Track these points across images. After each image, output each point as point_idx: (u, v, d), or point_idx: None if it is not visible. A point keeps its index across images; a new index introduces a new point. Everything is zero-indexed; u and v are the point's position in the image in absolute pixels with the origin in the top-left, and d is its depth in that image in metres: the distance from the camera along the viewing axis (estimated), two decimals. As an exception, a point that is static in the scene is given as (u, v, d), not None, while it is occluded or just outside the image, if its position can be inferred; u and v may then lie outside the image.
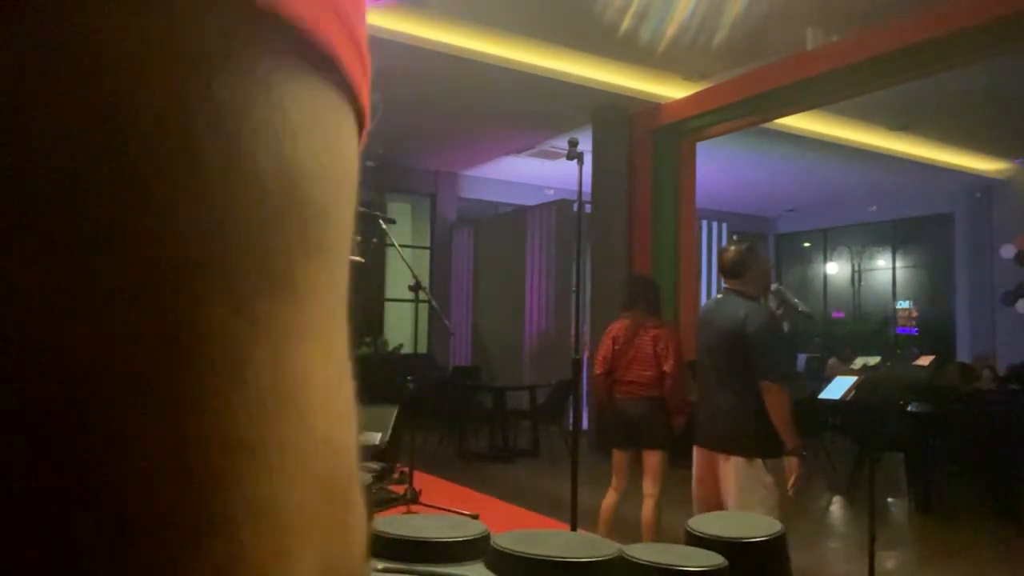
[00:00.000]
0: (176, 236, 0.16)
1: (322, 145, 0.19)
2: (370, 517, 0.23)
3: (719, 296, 3.46)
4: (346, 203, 0.21)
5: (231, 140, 0.17)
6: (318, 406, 0.19)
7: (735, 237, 13.23)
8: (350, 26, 0.21)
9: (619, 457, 4.21)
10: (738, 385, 3.18)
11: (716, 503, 3.25)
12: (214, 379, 0.17)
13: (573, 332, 4.27)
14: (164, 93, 0.16)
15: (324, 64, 0.20)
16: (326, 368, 0.19)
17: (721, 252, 3.47)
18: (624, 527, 4.12)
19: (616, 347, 4.22)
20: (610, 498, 4.17)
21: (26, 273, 0.16)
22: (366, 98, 0.22)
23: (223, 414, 0.17)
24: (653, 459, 4.06)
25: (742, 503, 3.07)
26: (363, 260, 4.34)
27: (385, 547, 1.29)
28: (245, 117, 0.17)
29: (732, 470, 3.15)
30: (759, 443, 3.12)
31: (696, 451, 3.41)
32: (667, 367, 4.06)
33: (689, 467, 3.45)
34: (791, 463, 3.13)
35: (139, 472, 0.16)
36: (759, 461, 3.10)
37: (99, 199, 0.16)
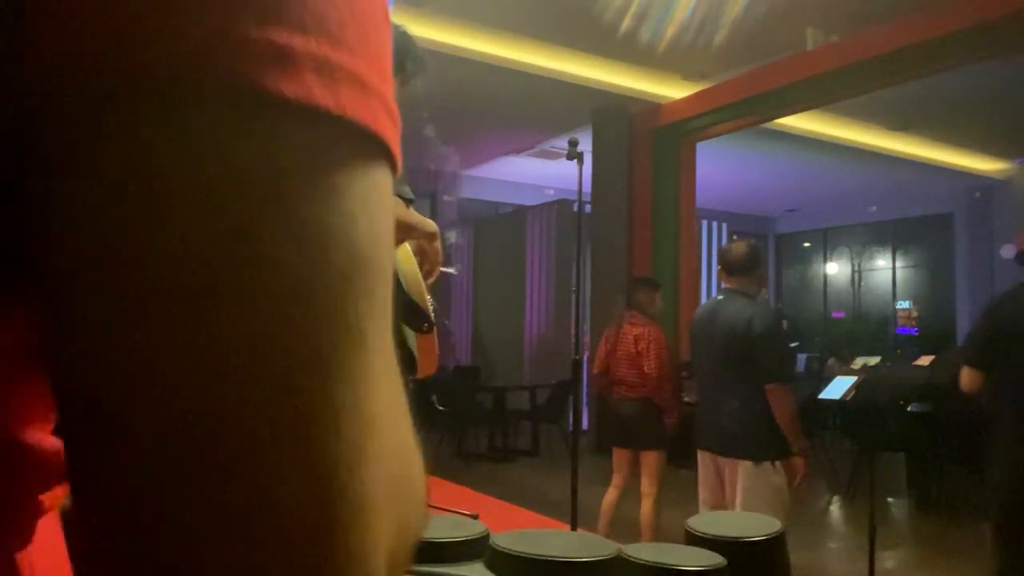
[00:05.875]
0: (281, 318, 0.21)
1: (377, 220, 0.24)
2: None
3: (719, 297, 3.39)
4: (390, 257, 0.25)
5: (316, 239, 0.21)
6: (388, 431, 0.24)
7: (735, 237, 13.15)
8: (391, 109, 0.25)
9: (618, 455, 4.24)
10: (744, 388, 3.14)
11: (722, 506, 3.23)
12: (316, 423, 0.21)
13: (573, 332, 4.28)
14: (273, 213, 0.21)
15: (376, 147, 0.24)
16: (392, 397, 0.25)
17: (727, 249, 3.40)
18: (623, 526, 4.12)
19: (608, 347, 4.24)
20: (611, 495, 4.19)
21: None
22: (399, 149, 0.25)
23: (327, 448, 0.21)
24: (650, 459, 4.07)
25: (751, 506, 3.03)
26: (456, 272, 4.38)
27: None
28: (324, 221, 0.22)
29: (741, 474, 3.12)
30: (767, 446, 3.10)
31: (699, 455, 3.37)
32: (647, 368, 4.05)
33: (689, 467, 3.44)
34: (797, 463, 3.12)
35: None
36: (767, 464, 3.08)
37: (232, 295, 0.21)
